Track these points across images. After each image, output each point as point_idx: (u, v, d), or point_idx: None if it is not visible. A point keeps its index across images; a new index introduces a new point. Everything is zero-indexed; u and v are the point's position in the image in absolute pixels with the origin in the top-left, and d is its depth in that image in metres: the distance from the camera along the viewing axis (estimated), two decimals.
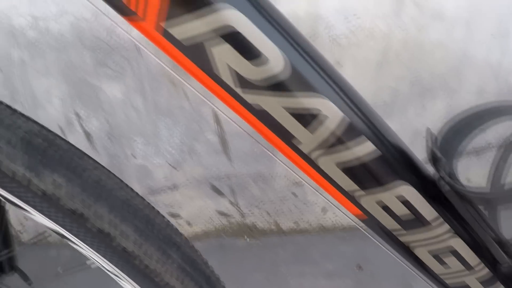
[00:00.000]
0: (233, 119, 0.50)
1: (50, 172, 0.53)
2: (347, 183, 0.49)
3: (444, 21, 1.12)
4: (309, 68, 0.45)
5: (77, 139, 1.27)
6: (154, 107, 1.19)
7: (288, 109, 0.45)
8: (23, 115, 0.58)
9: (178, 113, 1.19)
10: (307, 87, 0.45)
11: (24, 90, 1.21)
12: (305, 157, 0.48)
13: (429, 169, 0.49)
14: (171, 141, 1.25)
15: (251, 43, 0.43)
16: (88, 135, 1.26)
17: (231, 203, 1.37)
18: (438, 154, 0.49)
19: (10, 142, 0.54)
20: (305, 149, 0.47)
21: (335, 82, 0.46)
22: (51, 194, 0.53)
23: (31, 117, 0.58)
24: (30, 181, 0.52)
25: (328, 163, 0.47)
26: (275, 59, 0.44)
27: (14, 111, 0.58)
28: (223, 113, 0.51)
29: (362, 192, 0.49)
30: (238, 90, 0.45)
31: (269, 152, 0.51)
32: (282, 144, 0.48)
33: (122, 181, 0.55)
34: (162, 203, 1.36)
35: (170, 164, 1.29)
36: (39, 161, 0.53)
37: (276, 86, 0.44)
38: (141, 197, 0.57)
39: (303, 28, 1.06)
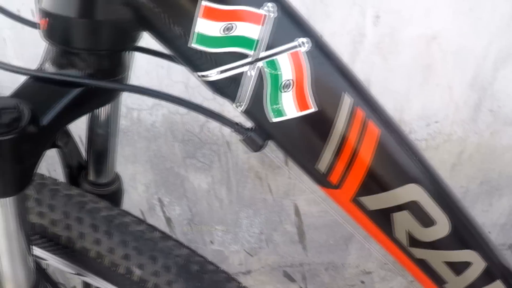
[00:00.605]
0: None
1: None
2: None
3: None
4: (466, 229, 0.53)
5: (156, 223, 1.32)
6: (237, 199, 1.24)
7: (445, 261, 0.53)
8: (176, 240, 0.63)
9: (261, 205, 1.25)
10: (464, 245, 0.53)
11: None
12: None
13: None
14: (250, 230, 1.30)
15: (427, 213, 0.50)
16: (168, 220, 1.31)
17: None
18: None
19: (168, 269, 0.59)
20: None
21: (483, 239, 0.54)
22: None
23: (183, 242, 0.63)
24: None
25: None
26: (442, 224, 0.51)
27: (169, 237, 0.63)
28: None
29: None
30: (408, 247, 0.52)
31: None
32: (433, 285, 0.55)
33: None
34: None
35: (246, 251, 1.34)
36: (197, 286, 0.58)
37: (440, 245, 0.52)
38: None
39: None
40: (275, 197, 1.23)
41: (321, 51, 0.46)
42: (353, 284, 1.39)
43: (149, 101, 1.16)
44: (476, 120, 1.16)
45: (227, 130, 1.13)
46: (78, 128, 0.63)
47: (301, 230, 1.28)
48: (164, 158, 1.22)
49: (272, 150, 1.12)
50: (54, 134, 0.52)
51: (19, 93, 0.47)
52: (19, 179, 0.46)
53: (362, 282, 1.38)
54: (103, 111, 0.66)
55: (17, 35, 1.15)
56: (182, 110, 1.15)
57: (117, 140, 0.70)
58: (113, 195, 0.75)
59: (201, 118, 1.15)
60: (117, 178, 0.75)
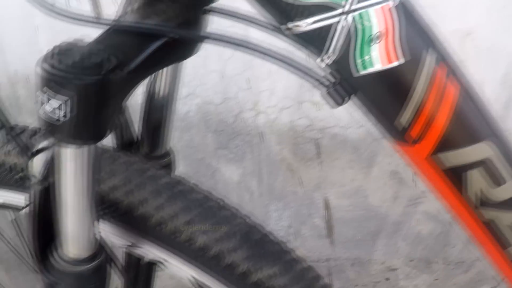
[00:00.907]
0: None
1: (269, 264, 0.57)
2: None
3: None
4: None
5: None
6: (268, 191, 1.25)
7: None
8: (236, 209, 0.63)
9: (290, 198, 1.25)
10: None
11: None
12: None
13: None
14: (279, 224, 1.30)
15: (499, 171, 0.50)
16: None
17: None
18: None
19: (232, 236, 0.58)
20: None
21: None
22: (269, 286, 0.57)
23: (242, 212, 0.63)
24: (250, 273, 0.57)
25: None
26: None
27: (229, 206, 0.63)
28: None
29: None
30: (478, 207, 0.52)
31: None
32: (495, 249, 0.55)
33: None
34: None
35: None
36: (261, 254, 0.58)
37: (509, 205, 0.52)
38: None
39: None
40: (306, 190, 1.24)
41: (408, 6, 0.47)
42: (378, 281, 1.38)
43: (183, 90, 1.16)
44: (505, 118, 1.18)
45: (261, 120, 1.13)
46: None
47: (330, 225, 1.29)
48: (196, 149, 1.22)
49: (305, 142, 1.13)
50: (135, 85, 0.52)
51: (102, 42, 0.47)
52: (98, 126, 0.45)
53: (387, 279, 1.37)
54: (162, 80, 0.66)
55: (50, 23, 1.15)
56: (216, 100, 1.16)
57: (174, 112, 0.70)
58: (166, 169, 0.74)
59: (236, 108, 1.16)
60: (170, 152, 0.74)
